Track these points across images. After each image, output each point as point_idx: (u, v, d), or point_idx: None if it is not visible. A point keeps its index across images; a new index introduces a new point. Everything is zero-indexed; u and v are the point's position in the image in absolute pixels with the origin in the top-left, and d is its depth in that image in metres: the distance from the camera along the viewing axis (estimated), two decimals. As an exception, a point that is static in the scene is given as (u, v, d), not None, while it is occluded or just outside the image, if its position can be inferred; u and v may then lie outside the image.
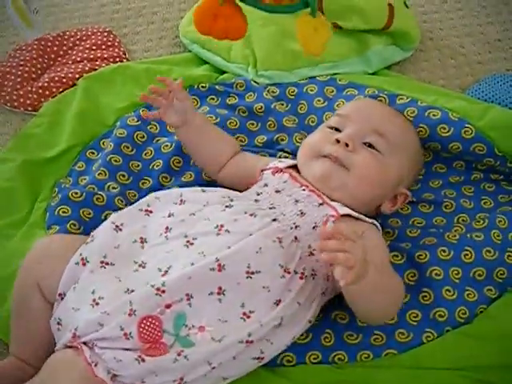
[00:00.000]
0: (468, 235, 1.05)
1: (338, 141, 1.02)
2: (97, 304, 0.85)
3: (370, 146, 1.03)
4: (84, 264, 0.90)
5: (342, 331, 0.98)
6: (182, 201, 0.97)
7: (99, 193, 1.13)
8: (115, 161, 1.20)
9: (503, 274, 1.01)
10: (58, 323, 0.88)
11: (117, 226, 0.94)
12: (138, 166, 1.22)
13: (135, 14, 1.67)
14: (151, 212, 0.97)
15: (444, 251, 1.03)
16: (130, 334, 0.83)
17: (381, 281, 0.85)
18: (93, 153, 1.25)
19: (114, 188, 1.16)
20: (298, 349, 0.95)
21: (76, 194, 1.11)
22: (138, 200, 1.01)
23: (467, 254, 1.02)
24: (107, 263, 0.90)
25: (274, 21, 1.40)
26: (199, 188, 1.01)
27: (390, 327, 0.97)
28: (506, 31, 1.57)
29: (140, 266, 0.90)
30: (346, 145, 1.01)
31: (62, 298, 0.90)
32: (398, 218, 1.14)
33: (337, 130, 1.06)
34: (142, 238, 0.93)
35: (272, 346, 0.88)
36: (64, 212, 1.10)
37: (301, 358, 0.95)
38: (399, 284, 0.93)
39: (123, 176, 1.20)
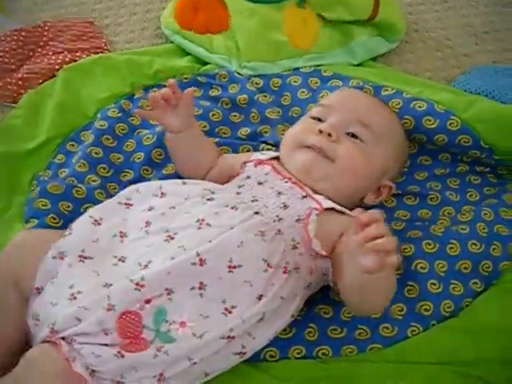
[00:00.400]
0: (453, 228, 1.05)
1: (321, 131, 1.01)
2: (75, 298, 0.84)
3: (354, 136, 1.02)
4: (62, 258, 0.88)
5: (325, 326, 0.96)
6: (162, 193, 0.96)
7: (79, 185, 1.11)
8: (95, 153, 1.18)
9: (489, 267, 1.01)
10: (36, 318, 0.86)
11: (95, 221, 0.92)
12: (119, 158, 1.20)
13: (117, 5, 1.65)
14: (131, 205, 0.95)
15: (429, 244, 1.02)
16: (109, 329, 0.81)
17: None
18: (73, 145, 1.23)
19: (94, 181, 1.14)
20: (281, 344, 0.94)
21: (55, 186, 1.10)
22: (118, 193, 0.99)
23: (452, 247, 1.01)
24: (85, 257, 0.88)
25: (257, 11, 1.39)
26: (180, 180, 0.99)
27: (375, 321, 0.96)
28: (492, 23, 1.56)
29: (119, 260, 0.88)
30: (329, 135, 1.00)
31: (40, 293, 0.88)
32: (382, 211, 1.12)
33: (320, 120, 1.05)
34: (121, 232, 0.92)
35: (254, 341, 0.86)
36: (43, 205, 1.08)
37: (284, 352, 0.94)
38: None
39: (103, 168, 1.18)
